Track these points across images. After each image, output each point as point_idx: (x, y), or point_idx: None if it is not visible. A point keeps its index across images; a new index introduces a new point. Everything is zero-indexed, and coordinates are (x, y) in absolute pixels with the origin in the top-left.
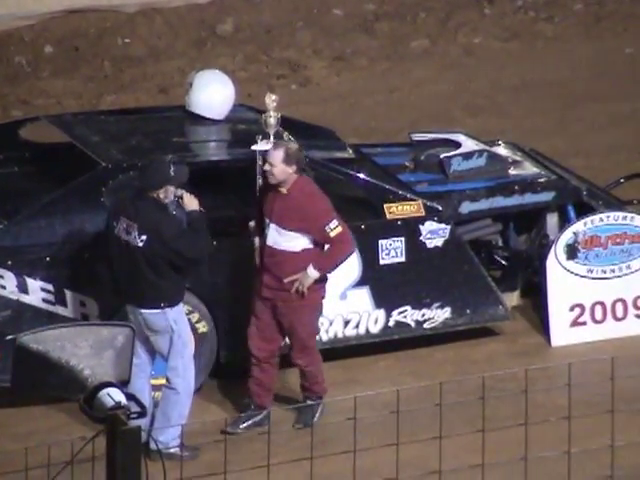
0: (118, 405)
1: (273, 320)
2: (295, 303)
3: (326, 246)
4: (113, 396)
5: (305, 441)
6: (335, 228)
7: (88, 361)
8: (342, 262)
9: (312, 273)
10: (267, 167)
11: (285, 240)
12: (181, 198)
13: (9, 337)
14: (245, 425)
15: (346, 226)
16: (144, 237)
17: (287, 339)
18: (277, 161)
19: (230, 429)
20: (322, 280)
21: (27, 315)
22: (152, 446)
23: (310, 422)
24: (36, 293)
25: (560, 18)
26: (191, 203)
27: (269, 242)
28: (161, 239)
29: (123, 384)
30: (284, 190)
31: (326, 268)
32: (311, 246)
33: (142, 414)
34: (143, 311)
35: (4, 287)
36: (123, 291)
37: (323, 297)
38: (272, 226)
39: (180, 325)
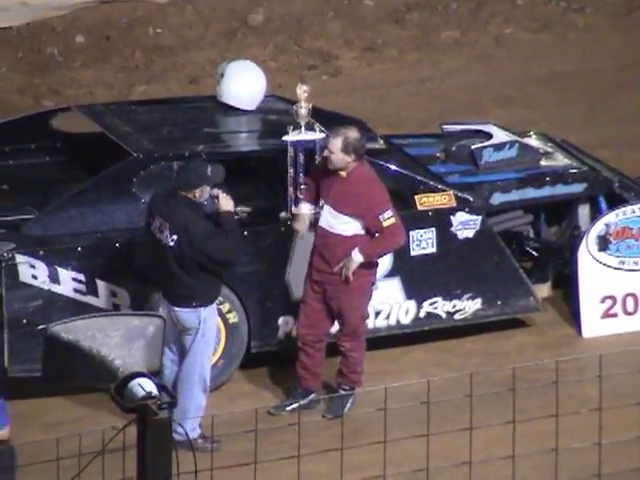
0: (149, 395)
1: (322, 305)
2: (344, 287)
3: (377, 234)
4: (144, 386)
5: (335, 431)
6: (389, 218)
7: (119, 351)
8: (389, 252)
9: (356, 257)
10: (326, 154)
11: (338, 223)
12: (217, 198)
13: (40, 327)
14: (290, 408)
15: (400, 219)
16: (175, 237)
17: (336, 324)
18: (335, 149)
19: (274, 411)
20: (372, 265)
21: (58, 305)
22: (174, 437)
23: (340, 412)
24: (67, 283)
25: (591, 9)
26: (226, 204)
27: (322, 223)
28: (190, 240)
29: (154, 374)
30: (343, 174)
31: (371, 255)
32: (362, 232)
33: (173, 404)
34: (176, 308)
35: (36, 277)
36: (159, 286)
37: (373, 283)
38: (326, 208)
39: (208, 324)
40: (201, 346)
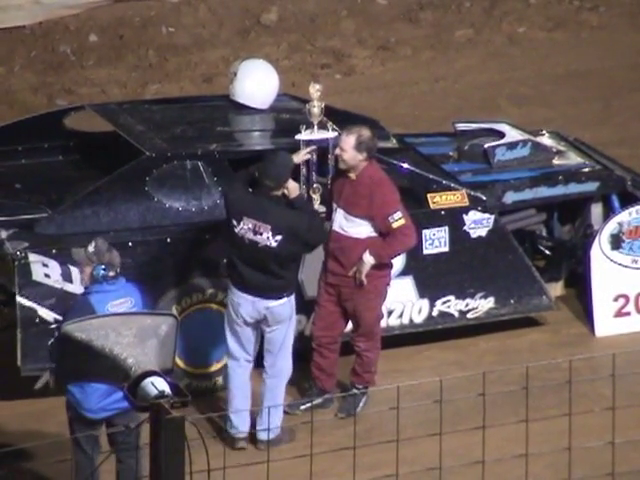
0: (162, 394)
1: (337, 307)
2: (359, 289)
3: (387, 235)
4: (157, 385)
5: (348, 430)
6: (398, 220)
7: (132, 350)
8: (400, 253)
9: (367, 259)
10: (338, 152)
11: (351, 226)
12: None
13: (53, 325)
14: (305, 407)
15: (410, 219)
16: (279, 237)
17: (350, 324)
18: (348, 147)
19: (289, 410)
20: (387, 266)
21: (71, 304)
22: (262, 437)
23: (353, 411)
24: (80, 282)
25: (605, 8)
26: (295, 190)
27: (335, 227)
28: (297, 236)
29: (166, 373)
30: (353, 176)
31: (382, 256)
32: (375, 234)
33: (185, 404)
34: (270, 303)
35: (48, 276)
36: (245, 284)
37: (388, 284)
38: (339, 211)
39: (294, 313)
40: (291, 335)
